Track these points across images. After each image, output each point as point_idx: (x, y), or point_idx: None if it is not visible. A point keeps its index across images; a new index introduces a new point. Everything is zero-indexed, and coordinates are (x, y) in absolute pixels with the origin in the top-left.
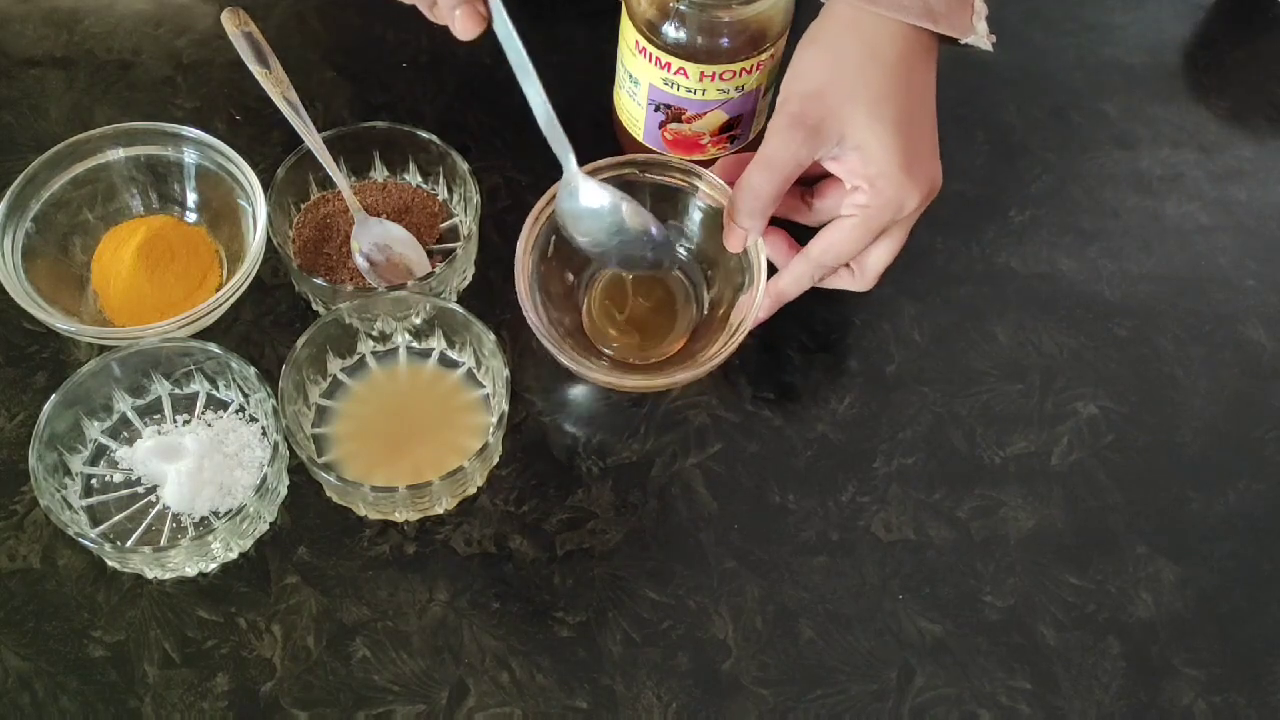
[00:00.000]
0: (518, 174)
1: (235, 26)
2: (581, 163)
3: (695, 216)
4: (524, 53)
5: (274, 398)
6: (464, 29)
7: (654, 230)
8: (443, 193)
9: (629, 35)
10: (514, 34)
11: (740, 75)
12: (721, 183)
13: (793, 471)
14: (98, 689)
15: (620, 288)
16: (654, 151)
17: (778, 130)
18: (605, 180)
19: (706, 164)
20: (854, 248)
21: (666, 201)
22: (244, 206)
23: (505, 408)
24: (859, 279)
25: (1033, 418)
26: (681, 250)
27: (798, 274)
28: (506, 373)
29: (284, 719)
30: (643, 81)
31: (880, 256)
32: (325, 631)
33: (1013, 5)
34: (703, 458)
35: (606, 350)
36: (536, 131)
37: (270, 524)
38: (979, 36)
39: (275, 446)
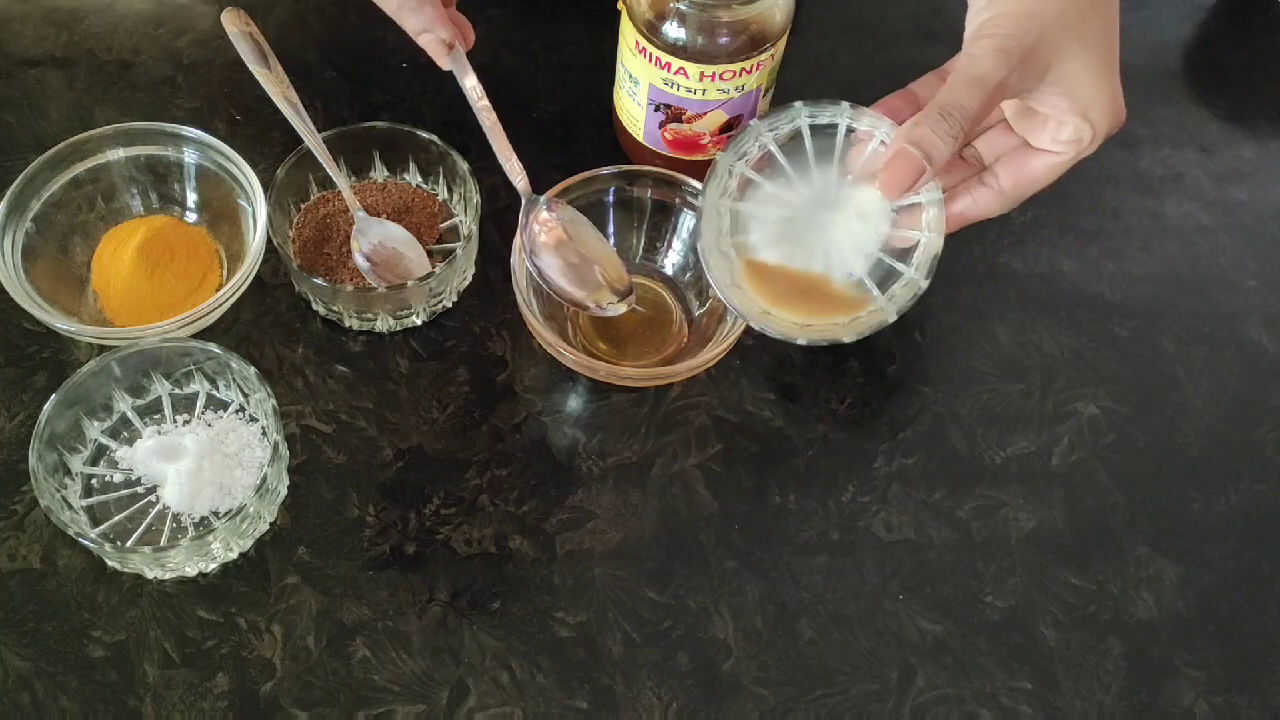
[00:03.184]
0: None
1: (235, 26)
2: (580, 167)
3: (685, 227)
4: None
5: (274, 398)
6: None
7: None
8: (443, 193)
9: (629, 35)
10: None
11: (740, 75)
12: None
13: (793, 471)
14: (98, 689)
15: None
16: (654, 151)
17: (989, 52)
18: (593, 192)
19: (706, 164)
20: (1050, 182)
21: (659, 213)
22: (244, 206)
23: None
24: (1005, 202)
25: (1033, 418)
26: (670, 266)
27: (986, 209)
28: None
29: (284, 719)
30: (643, 81)
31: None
32: (325, 631)
33: None
34: (703, 458)
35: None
36: (536, 131)
37: (270, 524)
38: None
39: (275, 446)
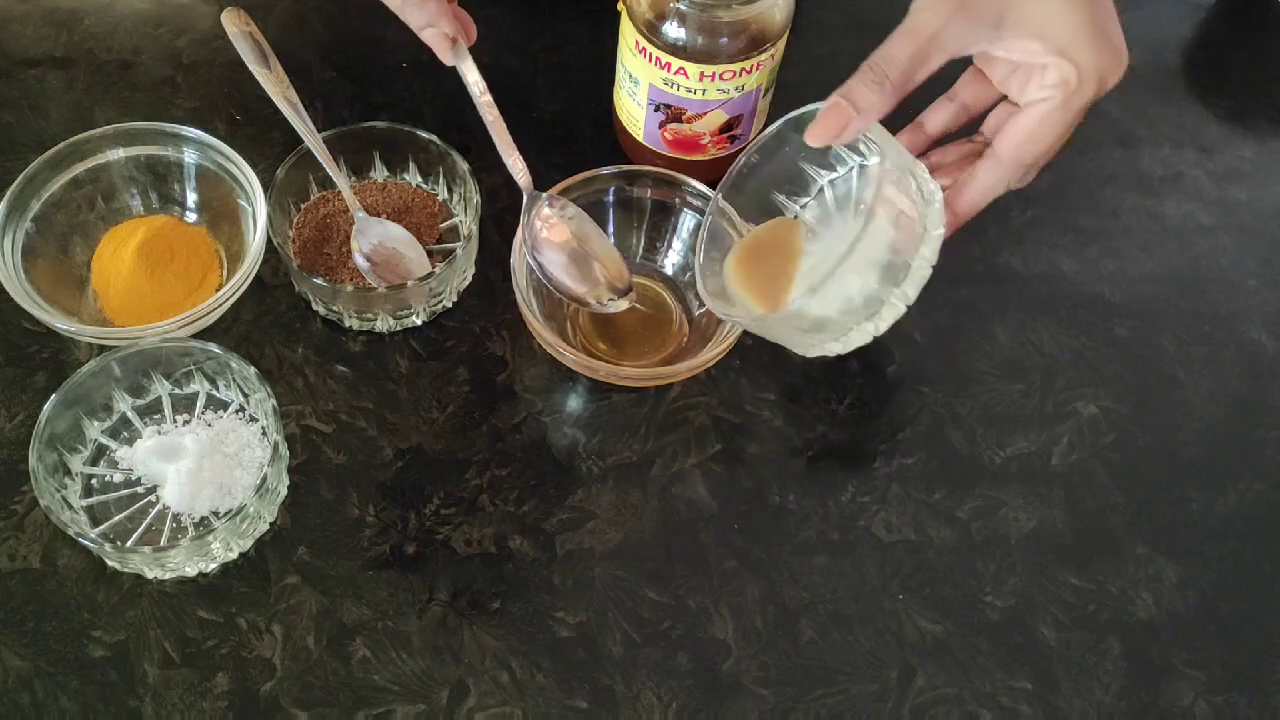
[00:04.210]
0: None
1: (235, 26)
2: (580, 167)
3: (685, 228)
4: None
5: (274, 398)
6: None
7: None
8: (443, 193)
9: (629, 35)
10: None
11: (740, 75)
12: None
13: (793, 471)
14: (98, 689)
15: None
16: (654, 151)
17: (927, 5)
18: (593, 192)
19: (706, 164)
20: (1056, 134)
21: (659, 213)
22: (244, 206)
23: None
24: (1007, 167)
25: (1033, 418)
26: (670, 266)
27: (990, 182)
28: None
29: (284, 719)
30: (643, 81)
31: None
32: (325, 631)
33: None
34: (703, 458)
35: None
36: (536, 131)
37: (270, 524)
38: None
39: (275, 446)
